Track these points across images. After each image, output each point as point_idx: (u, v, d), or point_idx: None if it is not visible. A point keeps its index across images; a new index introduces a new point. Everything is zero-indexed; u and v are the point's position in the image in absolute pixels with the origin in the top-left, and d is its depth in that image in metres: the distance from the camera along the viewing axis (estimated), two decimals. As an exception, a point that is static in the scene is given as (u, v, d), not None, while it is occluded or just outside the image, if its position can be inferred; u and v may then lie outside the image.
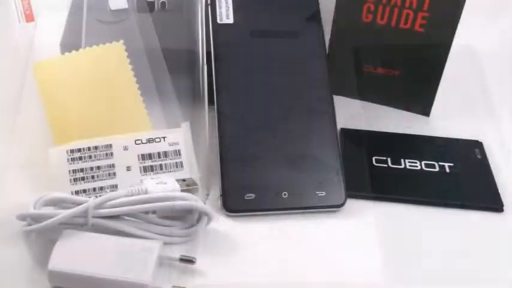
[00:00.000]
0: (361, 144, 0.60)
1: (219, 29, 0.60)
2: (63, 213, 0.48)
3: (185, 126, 0.55)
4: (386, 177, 0.57)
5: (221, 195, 0.54)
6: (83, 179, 0.53)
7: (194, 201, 0.50)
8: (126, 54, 0.57)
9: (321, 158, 0.56)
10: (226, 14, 0.60)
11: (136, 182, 0.52)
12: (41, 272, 0.47)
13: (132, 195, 0.50)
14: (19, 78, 0.61)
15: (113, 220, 0.49)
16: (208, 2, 0.60)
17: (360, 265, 0.51)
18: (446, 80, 0.62)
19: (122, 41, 0.57)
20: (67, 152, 0.53)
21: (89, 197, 0.50)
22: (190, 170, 0.54)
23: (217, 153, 0.55)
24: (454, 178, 0.57)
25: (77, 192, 0.52)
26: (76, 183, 0.52)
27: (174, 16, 0.61)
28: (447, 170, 0.58)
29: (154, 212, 0.51)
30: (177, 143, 0.55)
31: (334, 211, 0.54)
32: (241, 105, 0.57)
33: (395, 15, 0.60)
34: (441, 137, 0.62)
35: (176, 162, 0.54)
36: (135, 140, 0.54)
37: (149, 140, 0.54)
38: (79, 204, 0.49)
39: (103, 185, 0.53)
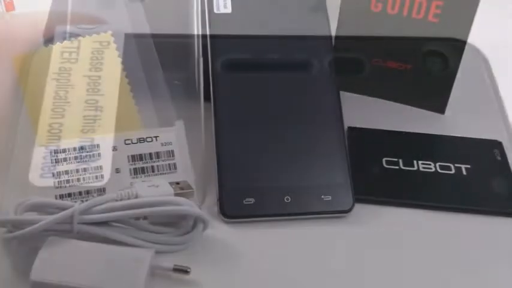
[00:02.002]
0: (370, 144, 0.60)
1: (216, 20, 0.59)
2: (46, 219, 0.48)
3: (179, 124, 0.55)
4: (397, 180, 0.57)
5: (218, 200, 0.54)
6: (68, 181, 0.53)
7: (189, 206, 0.50)
8: (114, 46, 0.57)
9: (327, 159, 0.56)
10: (224, 4, 0.60)
11: (126, 185, 0.52)
12: (22, 283, 0.47)
13: (121, 200, 0.50)
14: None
15: (100, 227, 0.49)
16: (205, -11, 0.60)
17: (369, 274, 0.51)
18: (462, 74, 0.62)
19: (110, 32, 0.57)
20: (51, 152, 0.53)
21: (75, 202, 0.50)
22: (185, 172, 0.54)
23: (214, 154, 0.55)
24: (471, 181, 0.57)
25: (61, 197, 0.52)
26: (60, 187, 0.52)
27: (167, 5, 0.61)
28: (464, 172, 0.58)
29: (145, 217, 0.51)
30: (170, 143, 0.55)
31: (341, 217, 0.54)
32: (240, 102, 0.57)
33: (407, 4, 0.60)
34: (457, 137, 0.62)
35: (169, 164, 0.54)
36: (125, 140, 0.54)
37: (140, 140, 0.54)
38: (64, 209, 0.49)
39: (90, 189, 0.53)
